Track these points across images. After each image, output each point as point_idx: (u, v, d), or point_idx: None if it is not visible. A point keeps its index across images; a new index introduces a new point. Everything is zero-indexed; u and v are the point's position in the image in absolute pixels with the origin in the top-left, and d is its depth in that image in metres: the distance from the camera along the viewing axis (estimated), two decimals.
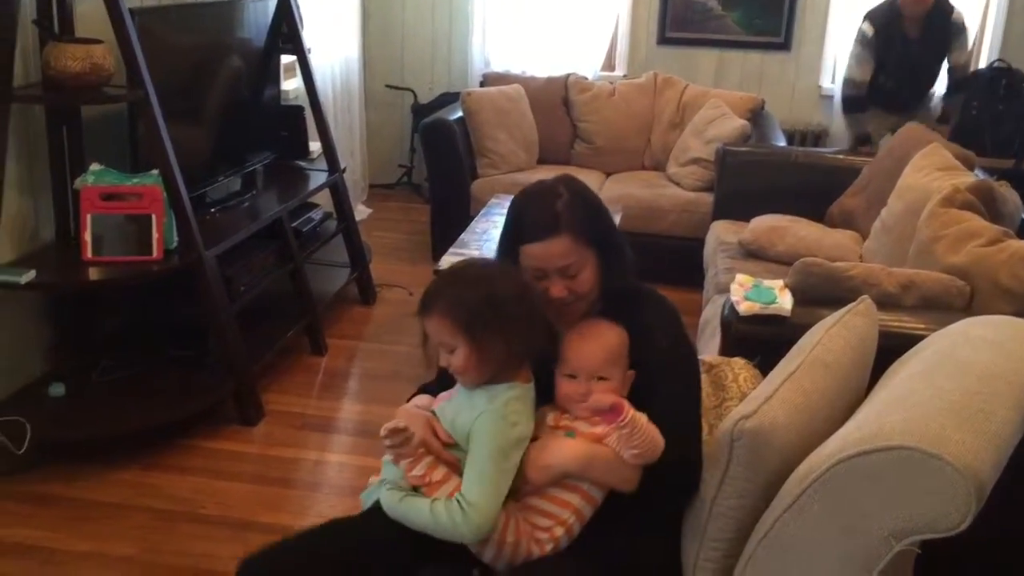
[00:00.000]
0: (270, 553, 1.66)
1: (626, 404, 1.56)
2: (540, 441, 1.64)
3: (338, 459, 3.11)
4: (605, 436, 1.61)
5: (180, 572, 2.46)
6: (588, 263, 1.68)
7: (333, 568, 1.63)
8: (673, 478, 1.62)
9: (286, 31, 4.04)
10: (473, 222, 4.02)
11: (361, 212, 5.55)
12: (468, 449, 1.59)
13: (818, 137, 5.66)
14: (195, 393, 3.13)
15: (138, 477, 2.88)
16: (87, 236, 2.92)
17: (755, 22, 5.59)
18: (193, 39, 3.46)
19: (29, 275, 2.77)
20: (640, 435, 1.55)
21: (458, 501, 1.53)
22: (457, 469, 1.61)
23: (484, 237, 3.75)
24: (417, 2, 5.98)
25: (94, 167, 3.00)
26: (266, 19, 3.94)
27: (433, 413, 1.68)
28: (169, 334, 3.41)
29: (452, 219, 4.62)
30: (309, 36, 4.44)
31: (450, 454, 1.62)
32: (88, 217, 2.92)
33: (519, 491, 1.63)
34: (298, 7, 4.16)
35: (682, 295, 4.66)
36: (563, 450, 1.61)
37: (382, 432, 1.57)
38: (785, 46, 5.62)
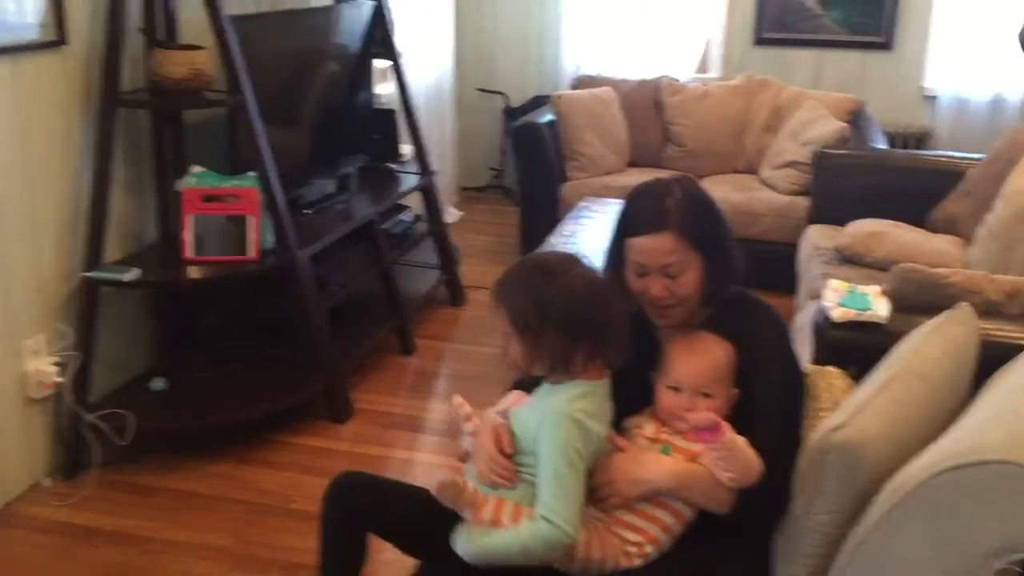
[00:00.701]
0: (366, 476, 1.79)
1: (726, 426, 1.52)
2: (635, 454, 1.62)
3: (425, 459, 3.14)
4: (702, 455, 1.58)
5: (270, 564, 2.52)
6: (692, 266, 1.64)
7: (415, 512, 1.68)
8: (766, 502, 1.58)
9: (380, 36, 4.12)
10: (561, 224, 4.02)
11: (451, 215, 5.60)
12: (538, 453, 1.56)
13: (920, 140, 5.46)
14: (287, 390, 3.21)
15: (232, 470, 2.96)
16: (188, 236, 3.02)
17: (855, 21, 5.43)
18: (290, 45, 3.56)
19: (133, 273, 2.88)
20: (737, 459, 1.52)
21: (542, 517, 1.51)
22: (515, 476, 1.60)
23: (572, 239, 3.74)
24: (509, 6, 6.01)
25: (195, 169, 3.10)
26: (360, 25, 4.01)
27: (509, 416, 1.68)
28: (263, 332, 3.50)
29: (541, 222, 4.62)
30: (402, 41, 4.51)
31: (505, 464, 1.60)
32: (189, 218, 3.02)
33: (607, 502, 1.61)
34: (391, 13, 4.23)
35: (774, 300, 4.52)
36: (659, 467, 1.59)
37: (434, 493, 1.57)
38: (887, 45, 5.44)
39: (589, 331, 1.54)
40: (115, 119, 2.89)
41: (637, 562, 1.59)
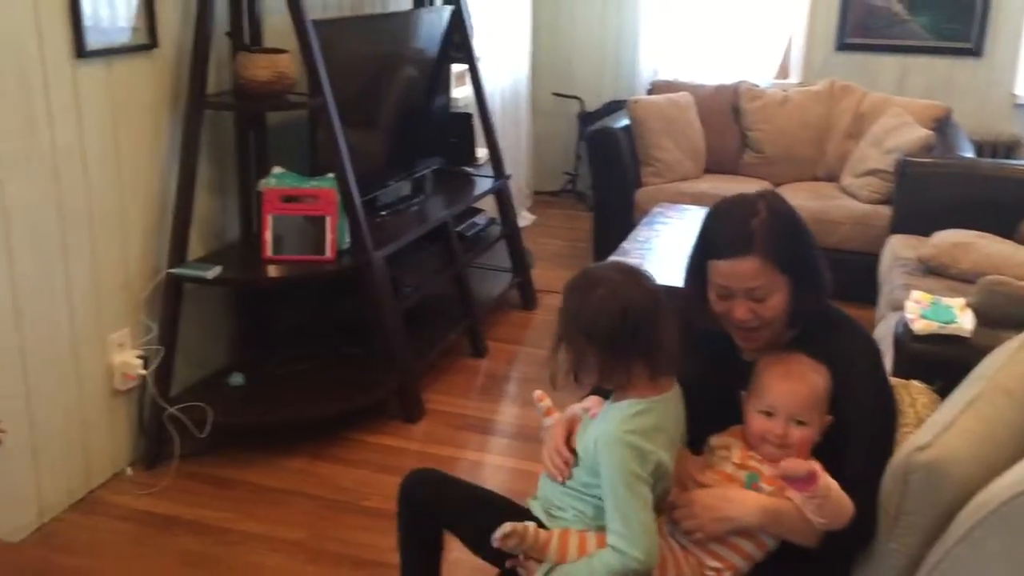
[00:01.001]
0: (438, 473, 1.81)
1: (820, 475, 1.45)
2: (721, 490, 1.57)
3: (495, 461, 3.16)
4: (792, 492, 1.53)
5: (343, 560, 2.56)
6: (779, 289, 1.57)
7: (486, 511, 1.68)
8: (856, 535, 1.52)
9: (458, 40, 4.15)
10: (636, 230, 3.99)
11: (525, 218, 5.62)
12: (601, 480, 1.53)
13: (1010, 149, 5.28)
14: (361, 389, 3.26)
15: (306, 466, 3.02)
16: (268, 235, 3.08)
17: (943, 27, 5.29)
18: (370, 48, 3.61)
19: (215, 271, 2.96)
20: (830, 506, 1.46)
21: (611, 547, 1.49)
22: (567, 471, 1.60)
23: (646, 246, 3.72)
24: (586, 11, 6.00)
25: (276, 170, 3.16)
26: (439, 29, 4.06)
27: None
28: (338, 331, 3.55)
29: (615, 227, 4.60)
30: (479, 45, 4.54)
31: (565, 456, 1.61)
32: (269, 217, 3.09)
33: (690, 532, 1.57)
34: (470, 17, 4.27)
35: (853, 311, 4.45)
36: (745, 505, 1.54)
37: (495, 544, 1.55)
38: (976, 52, 5.28)
39: (630, 347, 1.50)
40: (202, 121, 2.97)
41: None
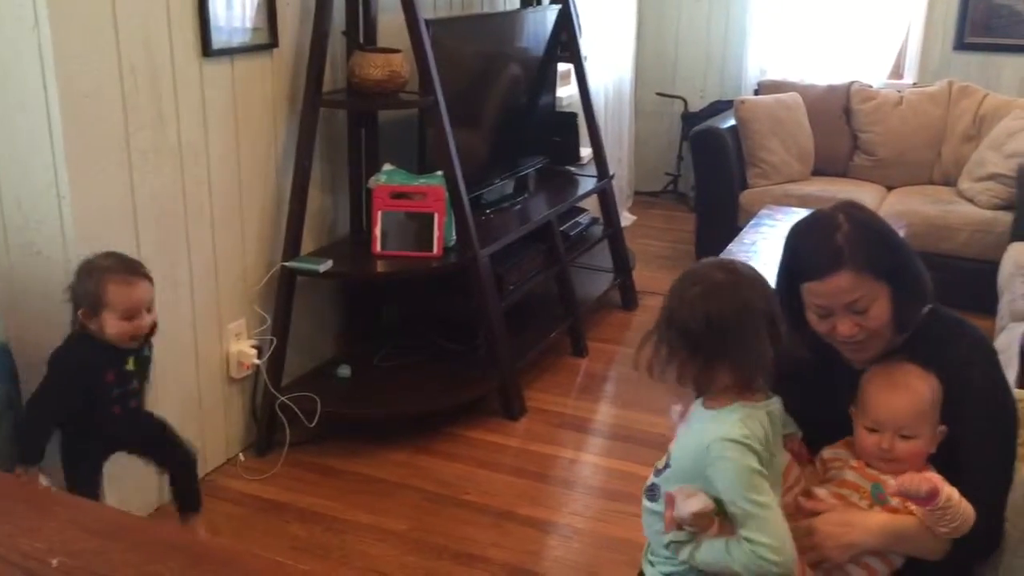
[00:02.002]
0: None
1: (941, 488, 1.41)
2: (841, 515, 1.52)
3: (593, 460, 3.15)
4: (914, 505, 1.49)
5: (444, 552, 2.59)
6: (879, 297, 1.53)
7: None
8: (980, 547, 1.49)
9: (564, 39, 4.15)
10: (742, 232, 3.93)
11: (626, 219, 5.58)
12: (720, 494, 1.44)
13: None
14: (463, 385, 3.29)
15: (410, 458, 3.06)
16: (377, 231, 3.14)
17: None
18: (478, 48, 3.65)
19: (326, 265, 3.03)
20: (953, 517, 1.42)
21: (751, 550, 1.41)
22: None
23: (752, 248, 3.65)
24: (693, 9, 5.93)
25: (386, 167, 3.22)
26: (546, 28, 4.07)
27: None
28: (442, 327, 3.60)
29: (718, 229, 4.54)
30: (585, 44, 4.53)
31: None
32: (379, 214, 3.14)
33: (816, 563, 1.52)
34: (578, 16, 4.26)
35: (972, 321, 4.31)
36: (868, 529, 1.50)
37: (686, 516, 1.45)
38: None
39: (716, 352, 1.43)
40: (317, 118, 3.04)
41: None
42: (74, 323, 2.10)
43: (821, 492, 1.58)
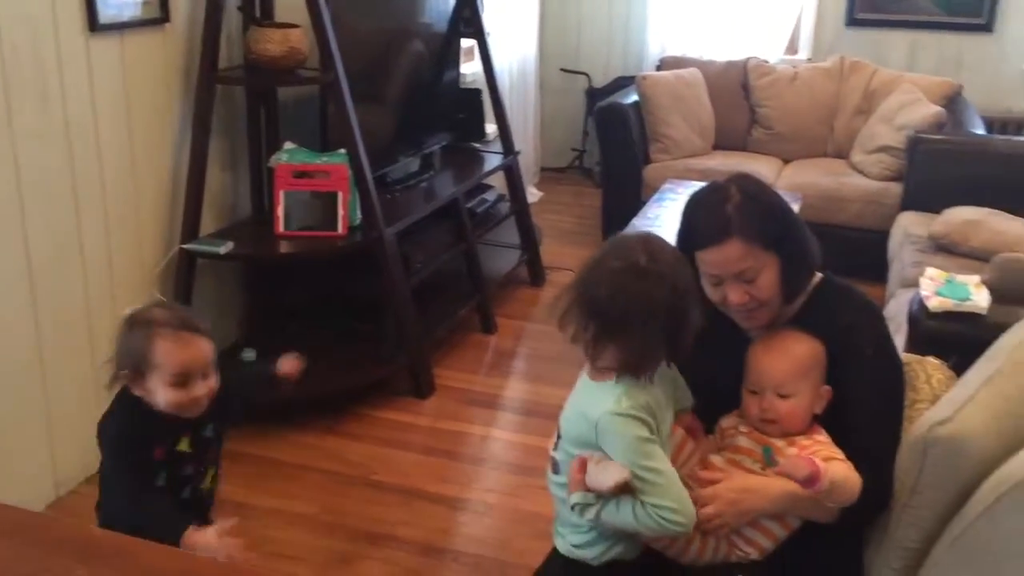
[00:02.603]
0: None
1: (821, 471, 1.44)
2: (740, 482, 1.55)
3: (503, 435, 3.18)
4: (805, 450, 1.54)
5: (355, 533, 2.58)
6: (768, 266, 1.57)
7: None
8: (871, 505, 1.54)
9: (467, 15, 4.13)
10: (645, 207, 3.99)
11: (533, 195, 5.61)
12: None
13: (1021, 126, 5.25)
14: (372, 364, 3.27)
15: (317, 440, 3.03)
16: (280, 211, 3.08)
17: (954, 2, 5.25)
18: (380, 23, 3.59)
19: (227, 246, 2.96)
20: (837, 496, 1.47)
21: (653, 509, 1.44)
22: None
23: (656, 222, 3.71)
24: None
25: (287, 146, 3.16)
26: (448, 3, 4.03)
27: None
28: (349, 307, 3.56)
29: (623, 203, 4.60)
30: (488, 20, 4.51)
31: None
32: (281, 193, 3.08)
33: (717, 530, 1.56)
34: None
35: (863, 288, 4.47)
36: (766, 495, 1.53)
37: (607, 489, 1.45)
38: (987, 27, 5.24)
39: (609, 329, 1.44)
40: (213, 96, 2.96)
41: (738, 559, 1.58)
42: (116, 385, 1.73)
43: (717, 459, 1.63)
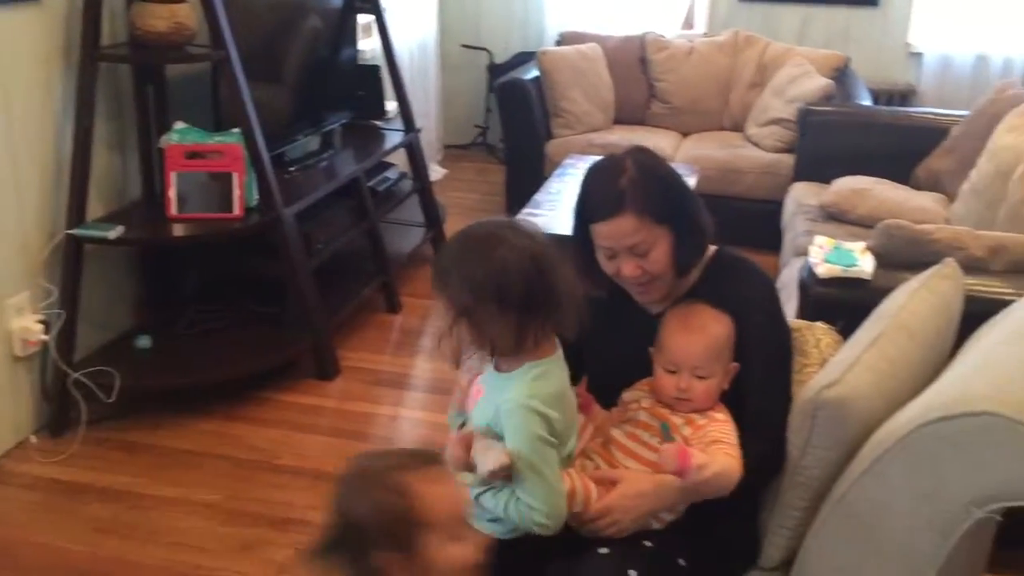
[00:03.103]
0: None
1: (690, 465, 1.46)
2: (634, 486, 1.55)
3: (412, 415, 3.17)
4: (699, 429, 1.57)
5: (260, 519, 2.54)
6: (660, 241, 1.59)
7: None
8: (767, 470, 1.59)
9: None
10: (547, 182, 4.01)
11: (436, 172, 5.57)
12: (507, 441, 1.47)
13: (905, 97, 5.46)
14: (274, 347, 3.21)
15: (219, 427, 2.97)
16: (171, 193, 2.99)
17: None
18: None
19: (117, 231, 2.86)
20: (714, 480, 1.49)
21: (526, 506, 1.46)
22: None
23: (558, 197, 3.73)
24: None
25: (178, 126, 3.06)
26: None
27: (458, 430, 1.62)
28: (249, 290, 3.49)
29: (527, 179, 4.61)
30: None
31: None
32: (172, 175, 2.99)
33: (609, 531, 1.56)
34: None
35: (759, 258, 4.53)
36: (659, 496, 1.54)
37: (487, 473, 1.45)
38: (872, 2, 5.41)
39: (536, 305, 1.42)
40: (96, 74, 2.84)
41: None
42: None
43: (617, 433, 1.65)
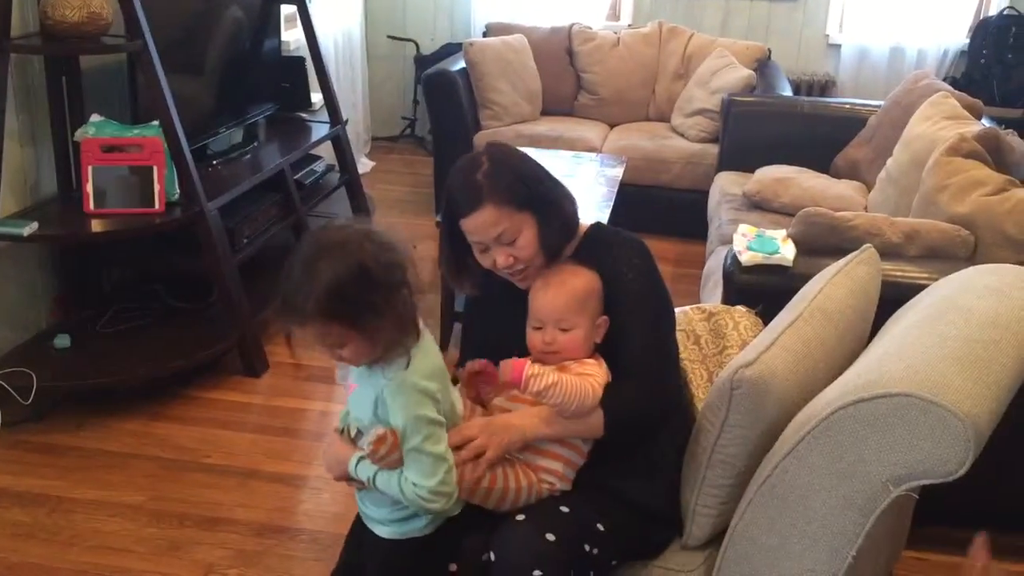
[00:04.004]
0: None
1: (526, 370, 1.56)
2: (502, 420, 1.63)
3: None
4: (568, 371, 1.62)
5: (187, 519, 2.49)
6: (524, 227, 1.66)
7: None
8: (649, 407, 1.65)
9: None
10: None
11: (364, 165, 5.52)
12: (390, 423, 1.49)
13: (825, 87, 5.59)
14: (200, 344, 3.14)
15: (144, 427, 2.90)
16: (88, 188, 2.91)
17: None
18: None
19: (31, 227, 2.77)
20: (559, 394, 1.56)
21: (414, 487, 1.49)
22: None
23: None
24: None
25: (94, 119, 2.98)
26: None
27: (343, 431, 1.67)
28: (173, 286, 3.41)
29: None
30: None
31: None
32: (89, 169, 2.91)
33: (480, 461, 1.60)
34: None
35: (686, 247, 4.67)
36: (521, 427, 1.63)
37: (367, 448, 1.50)
38: None
39: (401, 296, 1.45)
40: (6, 66, 2.75)
41: (546, 492, 1.65)
42: None
43: (499, 401, 1.71)
